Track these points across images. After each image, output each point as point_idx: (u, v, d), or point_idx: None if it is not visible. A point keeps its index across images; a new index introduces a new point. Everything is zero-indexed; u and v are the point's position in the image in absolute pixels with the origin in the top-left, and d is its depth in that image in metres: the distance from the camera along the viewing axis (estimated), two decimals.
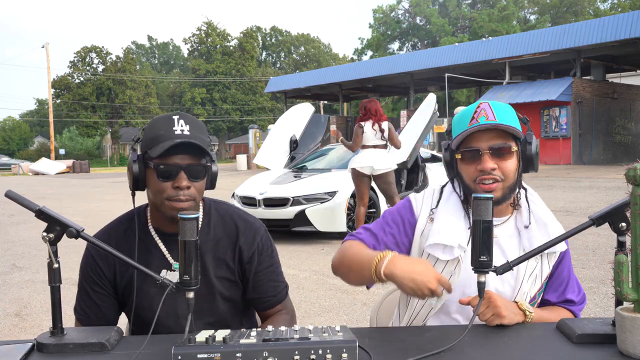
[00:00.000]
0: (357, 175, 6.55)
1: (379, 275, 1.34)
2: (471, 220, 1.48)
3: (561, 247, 1.49)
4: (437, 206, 1.56)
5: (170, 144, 1.40)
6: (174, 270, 1.54)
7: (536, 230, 1.49)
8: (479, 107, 1.47)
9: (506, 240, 1.51)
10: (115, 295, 1.57)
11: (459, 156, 1.48)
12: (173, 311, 1.55)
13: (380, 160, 6.51)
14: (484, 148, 1.45)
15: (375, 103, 6.66)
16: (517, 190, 1.52)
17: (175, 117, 1.47)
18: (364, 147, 6.55)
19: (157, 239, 1.55)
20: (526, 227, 1.50)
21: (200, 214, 1.58)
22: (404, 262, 1.34)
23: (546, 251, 1.43)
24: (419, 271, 1.30)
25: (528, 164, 1.49)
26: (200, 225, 1.55)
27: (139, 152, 1.48)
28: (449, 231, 1.48)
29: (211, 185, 1.55)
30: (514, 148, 1.47)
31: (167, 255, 1.55)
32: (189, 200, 1.45)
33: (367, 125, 6.51)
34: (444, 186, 1.61)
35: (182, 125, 1.45)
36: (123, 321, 1.66)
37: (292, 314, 1.66)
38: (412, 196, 1.63)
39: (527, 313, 1.38)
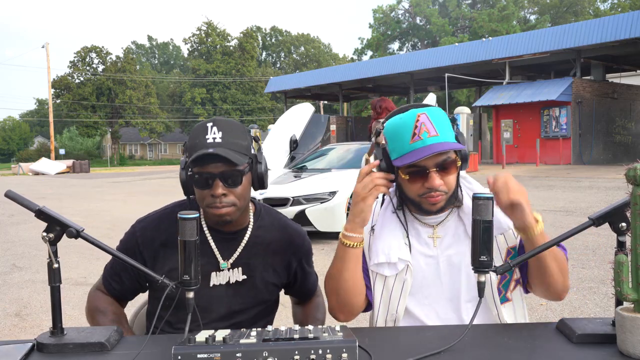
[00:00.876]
0: None
1: (346, 237, 1.45)
2: (407, 228, 1.52)
3: (509, 223, 1.45)
4: (374, 224, 1.56)
5: (198, 155, 1.42)
6: (222, 270, 1.56)
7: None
8: (417, 120, 1.42)
9: (451, 237, 1.52)
10: (144, 281, 1.61)
11: (406, 177, 1.44)
12: (218, 309, 1.57)
13: None
14: (431, 166, 1.42)
15: (390, 102, 6.61)
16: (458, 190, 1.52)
17: (209, 125, 1.48)
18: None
19: (209, 236, 1.56)
20: (459, 206, 1.51)
21: (252, 218, 1.61)
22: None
23: (495, 233, 1.42)
24: (354, 199, 1.42)
25: (463, 164, 1.49)
26: (252, 229, 1.60)
27: (186, 159, 1.51)
28: (388, 249, 1.49)
29: (260, 185, 1.54)
30: (458, 161, 1.46)
31: (217, 255, 1.56)
32: (227, 206, 1.46)
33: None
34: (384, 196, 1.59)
35: (214, 133, 1.46)
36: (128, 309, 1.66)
37: (321, 294, 1.79)
38: None
39: (538, 220, 1.37)
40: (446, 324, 1.49)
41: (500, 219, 1.45)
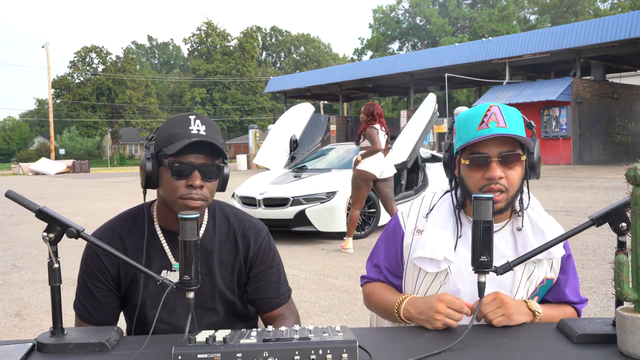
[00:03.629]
0: (364, 179, 6.47)
1: (402, 319, 1.45)
2: (460, 229, 1.51)
3: (559, 252, 1.47)
4: (428, 213, 1.56)
5: (187, 142, 1.41)
6: (174, 271, 1.54)
7: (531, 236, 1.48)
8: (489, 110, 1.42)
9: (502, 245, 1.50)
10: (118, 292, 1.56)
11: (466, 162, 1.44)
12: (175, 310, 1.56)
13: (387, 164, 6.52)
14: (494, 155, 1.41)
15: (379, 107, 6.68)
16: (519, 197, 1.50)
17: (192, 117, 1.47)
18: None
19: (162, 238, 1.55)
20: (519, 229, 1.49)
21: (206, 216, 1.58)
22: (415, 303, 1.42)
23: (543, 257, 1.44)
24: (424, 310, 1.37)
25: (531, 171, 1.48)
26: (206, 227, 1.57)
27: (152, 151, 1.48)
28: (435, 244, 1.48)
29: (222, 187, 1.54)
30: (523, 157, 1.44)
31: (170, 255, 1.55)
32: (201, 199, 1.45)
33: (379, 128, 6.49)
34: (446, 192, 1.60)
35: (198, 125, 1.45)
36: (121, 322, 1.66)
37: (296, 317, 1.64)
38: (400, 210, 1.64)
39: (537, 314, 1.38)
40: None
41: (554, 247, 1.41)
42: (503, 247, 1.50)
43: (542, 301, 1.54)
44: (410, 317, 1.41)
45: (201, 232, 1.56)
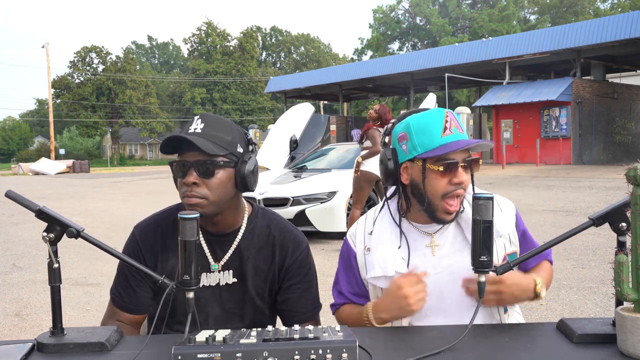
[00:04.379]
0: (368, 180, 6.51)
1: (377, 325, 1.44)
2: (404, 237, 1.51)
3: (505, 229, 1.50)
4: (372, 229, 1.56)
5: (166, 137, 1.43)
6: (213, 272, 1.54)
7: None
8: (447, 116, 1.46)
9: (450, 246, 1.51)
10: (152, 284, 1.57)
11: (440, 168, 1.42)
12: (204, 310, 1.55)
13: None
14: (460, 161, 1.43)
15: (390, 115, 6.74)
16: None
17: (196, 117, 1.48)
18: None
19: (201, 237, 1.53)
20: (461, 212, 1.50)
21: (245, 220, 1.57)
22: (380, 307, 1.43)
23: (495, 237, 1.45)
24: (394, 305, 1.40)
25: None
26: (244, 232, 1.56)
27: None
28: (383, 261, 1.48)
29: (242, 186, 1.48)
30: (481, 160, 1.51)
31: (209, 256, 1.54)
32: (199, 197, 1.43)
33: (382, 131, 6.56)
34: (384, 202, 1.60)
35: (197, 124, 1.45)
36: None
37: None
38: (348, 232, 1.64)
39: (542, 297, 1.43)
40: None
41: (496, 224, 1.45)
42: (455, 241, 1.51)
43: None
44: (386, 321, 1.42)
45: (239, 236, 1.55)
